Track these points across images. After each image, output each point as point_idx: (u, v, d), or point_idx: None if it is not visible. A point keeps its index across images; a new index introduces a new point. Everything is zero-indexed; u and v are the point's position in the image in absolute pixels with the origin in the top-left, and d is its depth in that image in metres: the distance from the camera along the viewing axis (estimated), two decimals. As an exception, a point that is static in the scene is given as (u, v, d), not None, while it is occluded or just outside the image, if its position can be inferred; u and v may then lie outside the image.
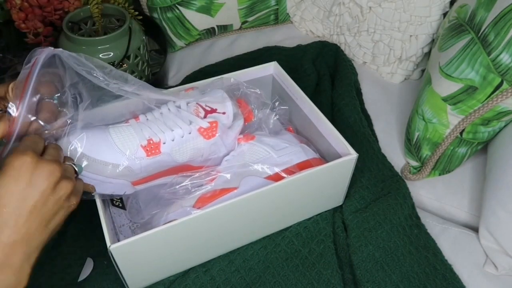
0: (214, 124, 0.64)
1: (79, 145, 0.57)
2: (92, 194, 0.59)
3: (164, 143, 0.62)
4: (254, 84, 0.80)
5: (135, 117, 0.64)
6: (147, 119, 0.64)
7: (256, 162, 0.67)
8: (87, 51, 0.86)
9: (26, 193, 0.44)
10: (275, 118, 0.76)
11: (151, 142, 0.61)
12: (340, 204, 0.75)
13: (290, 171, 0.66)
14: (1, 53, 0.94)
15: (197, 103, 0.66)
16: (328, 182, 0.68)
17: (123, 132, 0.61)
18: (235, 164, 0.66)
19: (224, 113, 0.66)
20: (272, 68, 0.82)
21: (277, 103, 0.78)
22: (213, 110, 0.66)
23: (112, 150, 0.59)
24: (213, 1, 1.04)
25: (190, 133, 0.63)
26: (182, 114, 0.64)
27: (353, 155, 0.66)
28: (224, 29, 1.12)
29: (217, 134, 0.65)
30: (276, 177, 0.65)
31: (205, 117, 0.65)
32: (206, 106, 0.66)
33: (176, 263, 0.64)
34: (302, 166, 0.67)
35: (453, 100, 0.74)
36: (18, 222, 0.44)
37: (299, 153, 0.69)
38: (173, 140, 0.62)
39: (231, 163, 0.67)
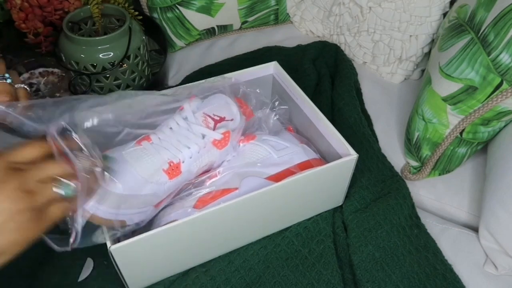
0: (227, 135, 0.65)
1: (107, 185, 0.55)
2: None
3: (183, 162, 0.62)
4: (254, 84, 0.80)
5: (146, 138, 0.63)
6: (159, 138, 0.62)
7: (256, 162, 0.67)
8: (87, 51, 0.86)
9: None
10: (275, 118, 0.76)
11: (172, 164, 0.61)
12: (340, 204, 0.75)
13: (290, 171, 0.66)
14: (1, 53, 0.94)
15: (204, 113, 0.65)
16: (328, 182, 0.68)
17: (141, 158, 0.60)
18: (235, 165, 0.66)
19: (232, 119, 0.66)
20: (272, 68, 0.82)
21: (277, 103, 0.78)
22: (222, 119, 0.66)
23: (138, 182, 0.58)
24: (213, 1, 1.04)
25: (205, 147, 0.63)
26: (193, 128, 0.64)
27: (353, 155, 0.66)
28: (224, 29, 1.12)
29: (229, 143, 0.65)
30: (277, 178, 0.65)
31: (215, 127, 0.65)
32: (214, 115, 0.66)
33: (176, 263, 0.64)
34: (303, 166, 0.67)
35: (453, 100, 0.74)
36: None
37: (299, 153, 0.69)
38: (190, 157, 0.62)
39: (231, 164, 0.66)
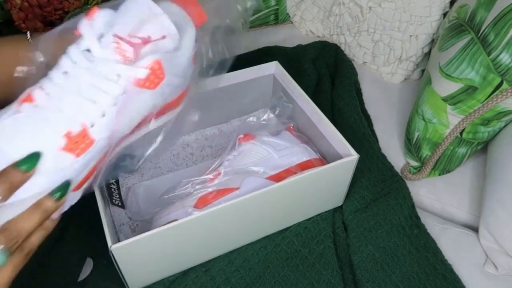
0: (157, 67, 0.42)
1: None
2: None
3: (92, 127, 0.41)
4: (254, 84, 0.79)
5: (27, 98, 0.41)
6: (48, 93, 0.41)
7: (257, 162, 0.67)
8: (87, 51, 0.85)
9: None
10: (275, 118, 0.76)
11: (71, 135, 0.40)
12: (340, 204, 0.75)
13: (291, 171, 0.66)
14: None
15: (115, 37, 0.41)
16: (328, 183, 0.68)
17: (19, 137, 0.39)
18: (236, 165, 0.66)
19: (163, 37, 0.43)
20: (273, 68, 0.82)
21: (277, 103, 0.78)
22: (146, 40, 0.42)
23: None
24: (213, 1, 1.04)
25: (124, 93, 0.42)
26: (99, 67, 0.41)
27: (354, 156, 0.66)
28: (224, 29, 1.12)
29: (165, 77, 0.43)
30: (277, 178, 0.65)
31: (137, 56, 0.41)
32: (131, 37, 0.42)
33: (176, 263, 0.64)
34: (303, 166, 0.67)
35: (453, 100, 0.74)
36: None
37: (300, 153, 0.69)
38: (104, 116, 0.42)
39: (232, 164, 0.66)
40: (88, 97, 0.41)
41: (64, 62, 0.42)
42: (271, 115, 0.76)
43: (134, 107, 0.43)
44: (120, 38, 0.41)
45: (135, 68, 0.41)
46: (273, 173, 0.66)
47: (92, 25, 0.42)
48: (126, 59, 0.41)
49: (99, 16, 0.42)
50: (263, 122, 0.74)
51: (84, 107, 0.41)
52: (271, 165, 0.66)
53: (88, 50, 0.42)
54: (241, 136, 0.69)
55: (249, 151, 0.68)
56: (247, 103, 0.81)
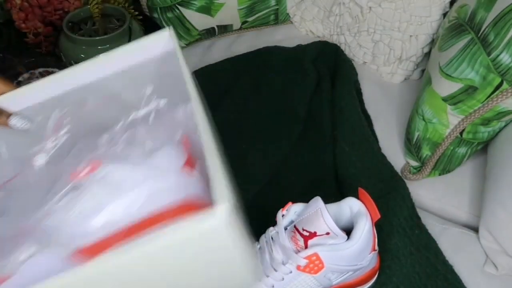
0: (314, 258, 0.52)
1: None
2: None
3: None
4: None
5: None
6: None
7: (73, 219, 0.38)
8: (87, 51, 0.86)
9: None
10: (153, 122, 0.45)
11: None
12: None
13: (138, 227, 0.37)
14: (1, 53, 0.94)
15: (295, 227, 0.54)
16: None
17: None
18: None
19: (327, 233, 0.53)
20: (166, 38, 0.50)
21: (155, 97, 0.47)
22: (312, 235, 0.53)
23: None
24: (213, 1, 1.04)
25: (291, 272, 0.54)
26: (277, 250, 0.54)
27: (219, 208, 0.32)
28: (224, 29, 1.12)
29: (325, 265, 0.53)
30: (92, 249, 0.36)
31: (305, 245, 0.53)
32: (303, 230, 0.53)
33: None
34: (158, 218, 0.38)
35: (453, 100, 0.74)
36: None
37: (170, 191, 0.38)
38: (273, 286, 0.55)
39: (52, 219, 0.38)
40: (265, 271, 0.54)
41: (262, 239, 0.56)
42: (145, 118, 0.44)
43: (297, 283, 0.54)
44: (297, 230, 0.53)
45: (298, 257, 0.52)
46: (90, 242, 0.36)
47: (285, 215, 0.56)
48: (298, 247, 0.53)
49: (291, 208, 0.56)
50: (129, 132, 0.44)
51: (261, 278, 0.54)
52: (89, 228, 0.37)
53: (276, 233, 0.55)
54: (74, 170, 0.39)
55: (78, 196, 0.38)
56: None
